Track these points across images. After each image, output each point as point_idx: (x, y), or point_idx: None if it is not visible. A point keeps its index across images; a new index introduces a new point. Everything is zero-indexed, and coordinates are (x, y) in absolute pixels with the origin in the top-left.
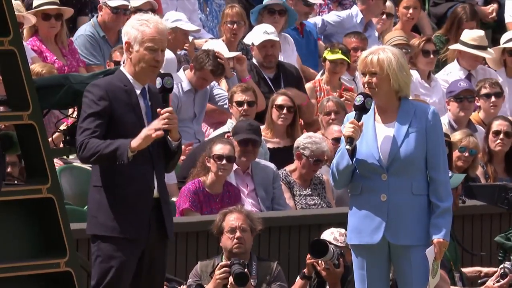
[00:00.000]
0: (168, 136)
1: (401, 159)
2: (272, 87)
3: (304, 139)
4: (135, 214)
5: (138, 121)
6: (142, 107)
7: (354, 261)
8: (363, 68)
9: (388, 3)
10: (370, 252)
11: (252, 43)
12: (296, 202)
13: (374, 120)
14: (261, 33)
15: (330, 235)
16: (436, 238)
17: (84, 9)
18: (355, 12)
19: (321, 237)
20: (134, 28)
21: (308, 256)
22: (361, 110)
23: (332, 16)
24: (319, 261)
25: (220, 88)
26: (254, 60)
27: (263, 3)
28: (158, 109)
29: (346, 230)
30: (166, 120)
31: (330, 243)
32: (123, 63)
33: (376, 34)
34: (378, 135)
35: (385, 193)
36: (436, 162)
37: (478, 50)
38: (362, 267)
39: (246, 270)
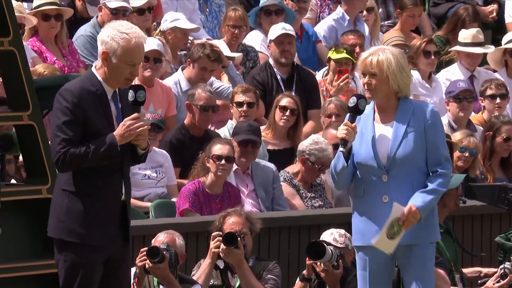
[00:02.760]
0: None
1: (400, 159)
2: (283, 88)
3: (310, 145)
4: (104, 221)
5: (108, 126)
6: (113, 111)
7: (358, 262)
8: (363, 68)
9: None
10: (374, 253)
11: (270, 40)
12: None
13: (373, 120)
14: (279, 29)
15: (330, 236)
16: (412, 204)
17: None
18: (341, 14)
19: (321, 238)
20: (115, 41)
21: (307, 258)
22: (355, 111)
23: (325, 26)
24: (318, 263)
25: (219, 81)
26: (270, 60)
27: (259, 4)
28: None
29: (346, 231)
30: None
31: (329, 244)
32: (95, 66)
33: (367, 30)
34: (376, 136)
35: (387, 194)
36: (438, 159)
37: (473, 47)
38: (365, 268)
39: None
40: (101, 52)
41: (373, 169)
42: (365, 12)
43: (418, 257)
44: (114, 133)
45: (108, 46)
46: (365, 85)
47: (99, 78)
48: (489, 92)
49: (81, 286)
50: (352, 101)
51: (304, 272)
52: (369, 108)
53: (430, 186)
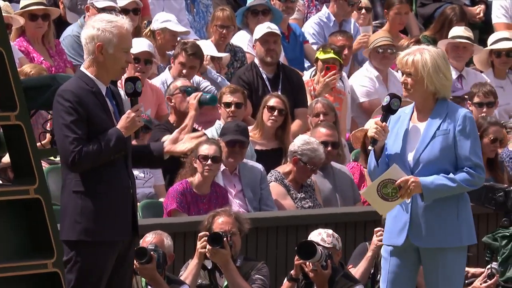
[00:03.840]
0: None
1: (424, 161)
2: (269, 87)
3: (302, 145)
4: (119, 217)
5: (109, 121)
6: (110, 108)
7: (382, 262)
8: (400, 67)
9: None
10: (397, 253)
11: (255, 39)
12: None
13: (410, 120)
14: (264, 28)
15: (318, 236)
16: (418, 178)
17: None
18: (326, 14)
19: (309, 238)
20: (108, 31)
21: (296, 257)
22: (387, 111)
23: (310, 28)
24: (307, 263)
25: (205, 81)
26: (255, 60)
27: (246, 4)
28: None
29: (333, 231)
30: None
31: (318, 244)
32: (83, 66)
33: (360, 29)
34: (409, 136)
35: None
36: (468, 164)
37: (463, 39)
38: (386, 268)
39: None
40: (94, 47)
41: (400, 168)
42: (363, 11)
43: (444, 262)
44: (118, 126)
45: (101, 38)
46: (402, 84)
47: (91, 76)
48: (476, 99)
49: (93, 285)
50: (386, 100)
51: (292, 272)
52: (410, 107)
53: (453, 176)
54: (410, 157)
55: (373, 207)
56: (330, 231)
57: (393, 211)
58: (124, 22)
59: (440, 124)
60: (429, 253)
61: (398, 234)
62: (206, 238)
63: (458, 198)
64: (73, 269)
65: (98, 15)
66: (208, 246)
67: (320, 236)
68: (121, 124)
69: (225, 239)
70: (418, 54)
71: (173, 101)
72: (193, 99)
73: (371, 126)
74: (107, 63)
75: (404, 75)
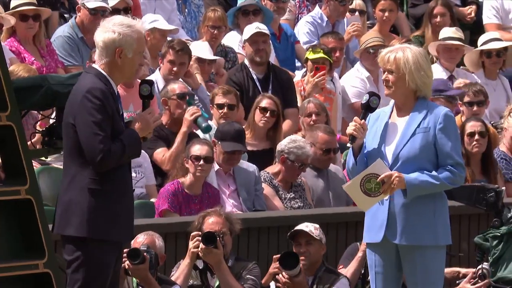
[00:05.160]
0: None
1: (403, 158)
2: (260, 88)
3: (289, 144)
4: (127, 218)
5: (121, 122)
6: (119, 108)
7: (368, 261)
8: (382, 65)
9: (359, 1)
10: (377, 251)
11: (244, 40)
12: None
13: (389, 118)
14: (253, 28)
15: (305, 227)
16: (402, 174)
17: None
18: (319, 14)
19: (296, 228)
20: (128, 36)
21: (274, 265)
22: (366, 108)
23: (304, 27)
24: (283, 273)
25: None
26: (245, 60)
27: (237, 4)
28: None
29: (324, 231)
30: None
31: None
32: (98, 65)
33: (347, 20)
34: (388, 134)
35: None
36: (450, 162)
37: (453, 41)
38: (372, 266)
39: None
40: (113, 51)
41: None
42: (356, 13)
43: (421, 260)
44: (135, 127)
45: (122, 42)
46: (384, 82)
47: (107, 76)
48: (466, 99)
49: (102, 284)
50: (365, 98)
51: (263, 280)
52: (389, 106)
53: (434, 173)
54: (389, 153)
55: (354, 202)
56: (317, 225)
57: (372, 209)
58: (141, 26)
59: (421, 121)
60: (408, 251)
61: (376, 232)
62: (200, 237)
63: (435, 197)
64: (81, 269)
65: (115, 18)
66: (201, 245)
67: (308, 228)
68: (136, 126)
69: (218, 238)
70: (400, 51)
71: (169, 104)
72: (189, 116)
73: (350, 124)
74: (125, 67)
75: (386, 73)
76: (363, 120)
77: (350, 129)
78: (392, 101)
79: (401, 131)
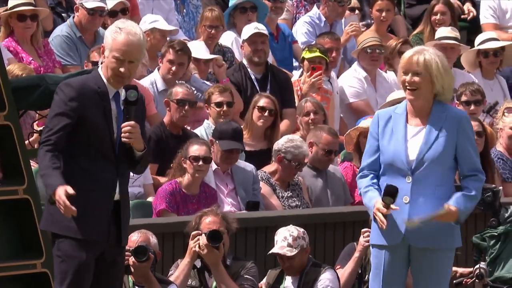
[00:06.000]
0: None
1: (428, 161)
2: (258, 88)
3: (285, 143)
4: (93, 217)
5: (106, 124)
6: (113, 111)
7: (373, 261)
8: (407, 67)
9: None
10: (390, 253)
11: (243, 40)
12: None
13: (406, 121)
14: (251, 28)
15: (281, 250)
16: (454, 205)
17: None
18: (317, 15)
19: (272, 252)
20: (109, 34)
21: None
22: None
23: (302, 27)
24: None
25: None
26: (243, 60)
27: (233, 3)
28: (123, 124)
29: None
30: (127, 133)
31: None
32: (101, 63)
33: (345, 21)
34: (408, 137)
35: (408, 195)
36: (474, 166)
37: (449, 40)
38: (379, 268)
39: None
40: (101, 47)
41: (399, 169)
42: (356, 11)
43: (435, 261)
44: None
45: (105, 40)
46: (407, 84)
47: (103, 77)
48: (463, 98)
49: (73, 282)
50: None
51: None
52: (401, 108)
53: (472, 192)
54: (412, 159)
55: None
56: (296, 232)
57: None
58: (126, 31)
59: (442, 126)
60: (421, 253)
61: (393, 234)
62: (200, 236)
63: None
64: (56, 263)
65: (121, 19)
66: (204, 241)
67: (283, 249)
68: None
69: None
70: (427, 53)
71: (170, 107)
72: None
73: (378, 215)
74: (106, 65)
75: (410, 75)
76: (386, 209)
77: (379, 222)
78: (403, 102)
79: (424, 135)
